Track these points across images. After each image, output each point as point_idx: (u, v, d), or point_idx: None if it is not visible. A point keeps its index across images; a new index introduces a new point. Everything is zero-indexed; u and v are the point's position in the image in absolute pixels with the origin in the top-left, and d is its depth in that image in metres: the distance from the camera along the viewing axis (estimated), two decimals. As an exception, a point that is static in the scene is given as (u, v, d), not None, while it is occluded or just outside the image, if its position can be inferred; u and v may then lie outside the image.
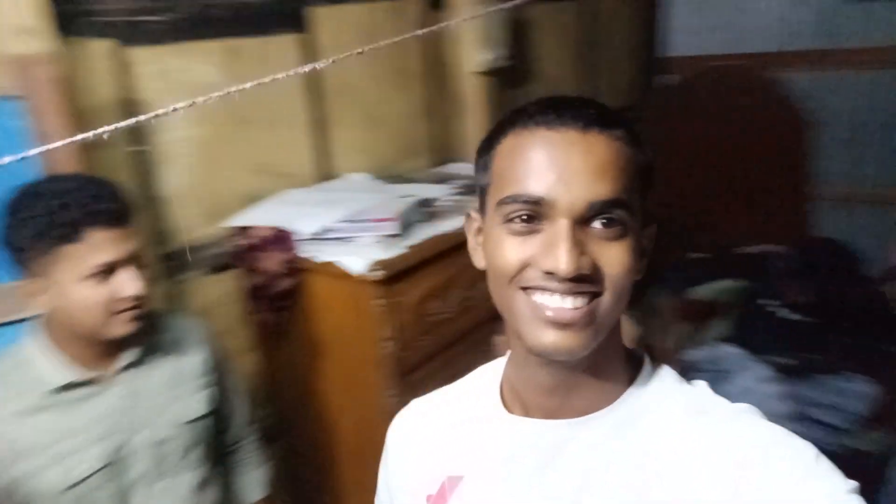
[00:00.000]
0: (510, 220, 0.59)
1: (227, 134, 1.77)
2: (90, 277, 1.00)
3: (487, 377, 0.76)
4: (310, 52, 1.96)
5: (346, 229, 1.56)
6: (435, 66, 2.39)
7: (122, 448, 1.12)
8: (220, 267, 1.75)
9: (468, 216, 0.70)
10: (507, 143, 0.62)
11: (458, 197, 1.92)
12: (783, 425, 0.59)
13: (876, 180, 3.25)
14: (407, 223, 1.61)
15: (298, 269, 1.62)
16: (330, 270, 1.55)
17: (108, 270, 1.02)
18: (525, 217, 0.59)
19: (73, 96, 1.38)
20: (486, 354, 1.92)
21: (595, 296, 0.58)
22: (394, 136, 2.28)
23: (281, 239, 1.60)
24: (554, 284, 0.57)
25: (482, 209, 0.67)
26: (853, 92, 3.25)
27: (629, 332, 2.16)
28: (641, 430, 0.62)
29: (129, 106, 1.56)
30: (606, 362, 0.64)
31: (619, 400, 0.64)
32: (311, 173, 2.01)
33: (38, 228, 0.97)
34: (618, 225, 0.58)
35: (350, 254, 1.53)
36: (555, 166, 0.58)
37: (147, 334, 1.16)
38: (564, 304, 0.57)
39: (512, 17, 2.48)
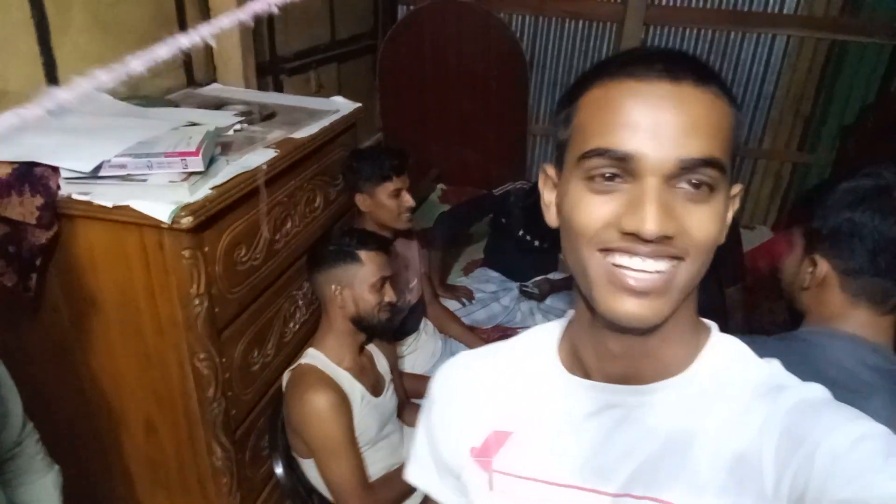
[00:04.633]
0: (591, 178, 0.55)
1: None
2: None
3: (542, 337, 0.72)
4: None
5: (133, 165, 1.23)
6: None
7: None
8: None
9: (544, 172, 0.65)
10: (592, 95, 0.56)
11: (245, 126, 1.66)
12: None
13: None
14: (209, 159, 1.33)
15: (58, 217, 1.24)
16: (113, 217, 1.21)
17: None
18: (609, 174, 0.54)
19: None
20: (294, 301, 1.78)
21: (677, 261, 0.54)
22: (135, 48, 1.83)
23: (35, 177, 1.19)
24: (636, 246, 0.53)
25: (559, 164, 0.62)
26: (566, 38, 3.65)
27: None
28: (710, 406, 0.60)
29: None
30: (678, 330, 0.61)
31: (687, 371, 0.62)
32: (36, 89, 1.53)
33: None
34: (707, 187, 0.54)
35: (143, 196, 1.21)
36: (644, 120, 0.52)
37: None
38: (645, 267, 0.53)
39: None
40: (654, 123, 0.52)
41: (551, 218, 0.63)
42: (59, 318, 1.35)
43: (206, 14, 2.10)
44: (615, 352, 0.61)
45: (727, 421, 0.59)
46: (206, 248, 1.31)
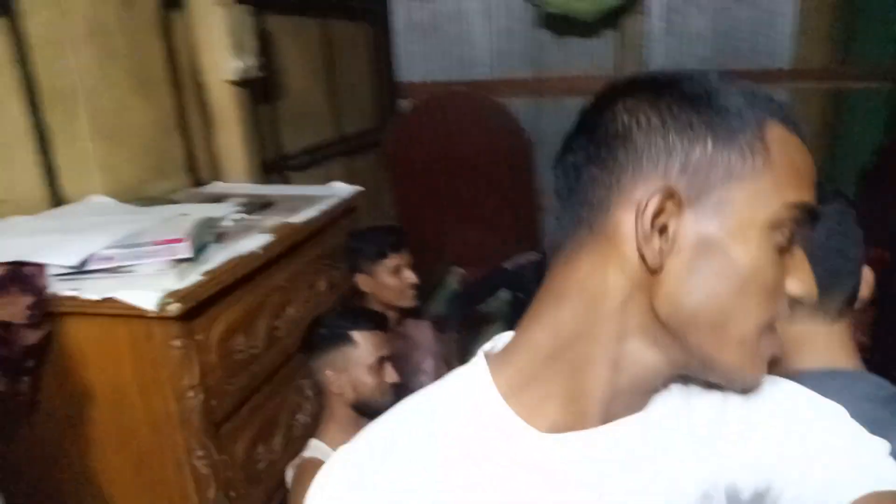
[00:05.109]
0: (780, 232, 0.50)
1: None
2: None
3: (463, 402, 0.55)
4: (19, 42, 1.53)
5: (121, 256, 1.22)
6: (179, 72, 2.07)
7: None
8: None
9: (664, 193, 0.48)
10: (777, 134, 0.50)
11: (244, 216, 1.65)
12: None
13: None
14: (198, 245, 1.32)
15: (50, 314, 1.21)
16: (103, 311, 1.19)
17: None
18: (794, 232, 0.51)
19: None
20: (300, 391, 1.70)
21: None
22: (139, 153, 1.90)
23: (24, 277, 1.18)
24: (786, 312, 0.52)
25: (693, 187, 0.49)
26: (565, 114, 3.71)
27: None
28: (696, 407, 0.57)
29: None
30: None
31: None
32: (35, 197, 1.56)
33: None
34: None
35: (131, 286, 1.19)
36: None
37: None
38: None
39: (258, 26, 2.27)
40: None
41: (655, 259, 0.49)
42: (53, 422, 1.30)
43: (207, 120, 2.16)
44: (625, 388, 0.54)
45: (713, 415, 0.56)
46: (199, 337, 1.27)
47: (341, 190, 1.95)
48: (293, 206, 1.76)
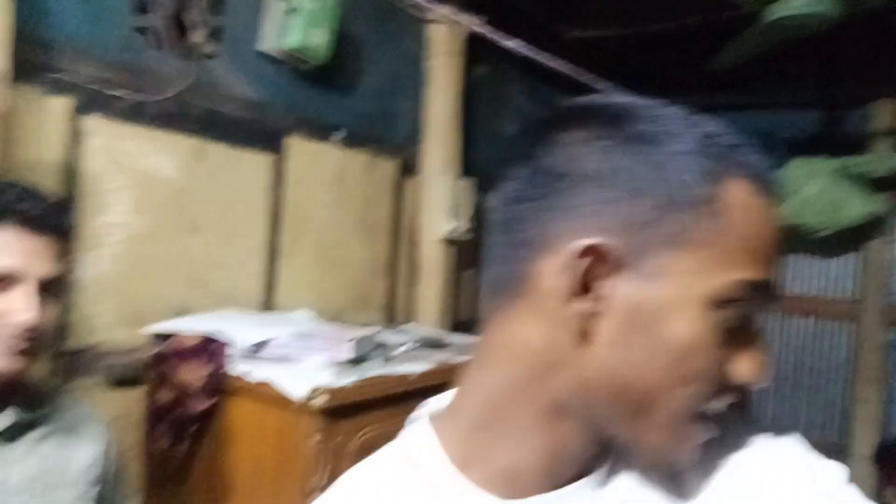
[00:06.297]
0: (727, 308, 0.41)
1: (169, 235, 1.58)
2: None
3: (415, 473, 0.49)
4: (278, 175, 1.87)
5: (291, 346, 1.33)
6: (399, 224, 2.33)
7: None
8: (126, 380, 1.44)
9: (590, 247, 0.41)
10: (739, 192, 0.42)
11: (417, 348, 1.72)
12: None
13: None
14: (361, 355, 1.39)
15: (222, 388, 1.34)
16: (262, 393, 1.28)
17: (5, 280, 0.77)
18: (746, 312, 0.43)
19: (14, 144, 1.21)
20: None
21: None
22: (348, 284, 2.12)
23: (209, 349, 1.34)
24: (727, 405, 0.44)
25: (640, 254, 0.42)
26: (784, 333, 3.38)
27: None
28: None
29: (69, 172, 1.37)
30: None
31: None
32: (252, 299, 1.80)
33: None
34: None
35: (291, 375, 1.28)
36: (779, 260, 0.45)
37: (31, 403, 0.87)
38: None
39: (477, 199, 2.51)
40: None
41: (589, 322, 0.42)
42: (197, 489, 1.37)
43: (414, 270, 2.37)
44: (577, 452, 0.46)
45: None
46: (339, 439, 1.29)
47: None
48: (465, 350, 1.79)
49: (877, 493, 2.85)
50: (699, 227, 0.41)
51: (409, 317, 2.33)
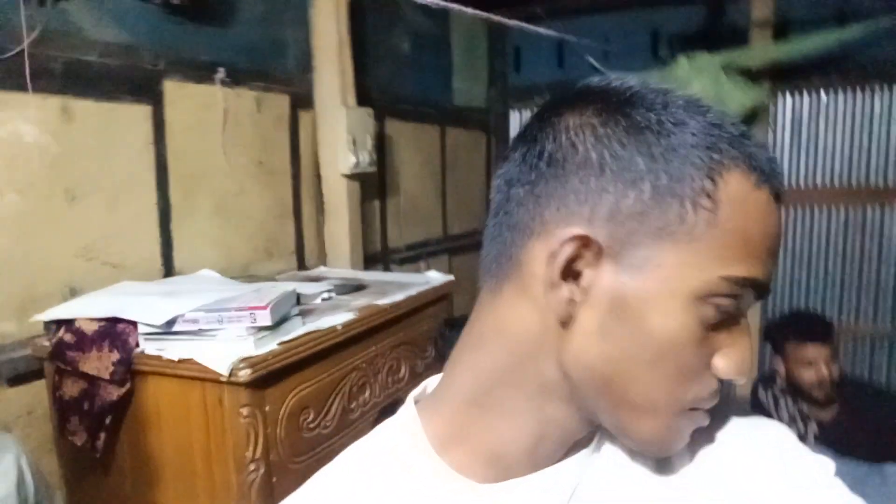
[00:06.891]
0: (711, 305, 0.41)
1: (46, 209, 1.42)
2: None
3: (396, 457, 0.49)
4: (159, 126, 1.70)
5: (205, 320, 1.26)
6: (299, 163, 2.22)
7: None
8: (23, 376, 1.32)
9: (575, 236, 0.42)
10: (736, 189, 0.41)
11: (333, 295, 1.68)
12: None
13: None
14: (279, 316, 1.34)
15: (133, 372, 1.26)
16: (180, 371, 1.21)
17: None
18: (732, 310, 0.43)
19: None
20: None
21: None
22: (251, 234, 2.02)
23: (112, 334, 1.24)
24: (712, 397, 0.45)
25: (612, 226, 0.42)
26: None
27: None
28: None
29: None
30: None
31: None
32: (149, 266, 1.68)
33: None
34: None
35: (209, 349, 1.22)
36: (776, 254, 0.45)
37: None
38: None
39: (376, 128, 2.42)
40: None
41: (561, 309, 0.43)
42: (121, 479, 1.32)
43: (320, 208, 2.28)
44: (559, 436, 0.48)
45: None
46: (268, 408, 1.26)
47: (434, 278, 1.94)
48: (383, 290, 1.77)
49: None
50: (690, 221, 0.40)
51: (319, 259, 2.27)
